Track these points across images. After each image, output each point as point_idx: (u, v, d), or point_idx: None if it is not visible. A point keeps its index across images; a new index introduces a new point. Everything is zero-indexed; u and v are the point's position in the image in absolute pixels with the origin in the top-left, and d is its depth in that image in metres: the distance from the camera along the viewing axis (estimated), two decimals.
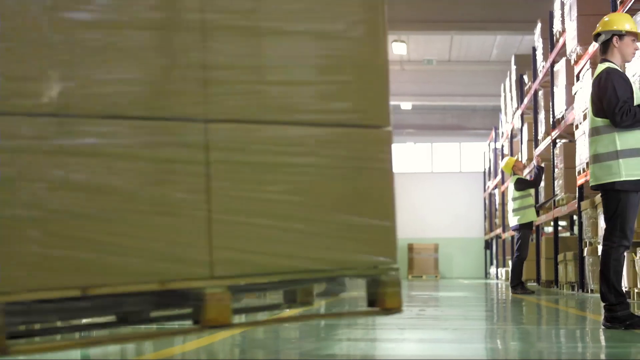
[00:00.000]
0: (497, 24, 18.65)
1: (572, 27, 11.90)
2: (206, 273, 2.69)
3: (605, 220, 5.51)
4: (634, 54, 5.69)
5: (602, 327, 5.37)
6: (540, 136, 15.07)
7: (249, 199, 2.80)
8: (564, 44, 12.46)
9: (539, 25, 15.50)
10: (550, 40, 14.18)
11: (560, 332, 5.48)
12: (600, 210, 11.49)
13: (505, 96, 20.84)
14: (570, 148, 12.59)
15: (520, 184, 12.31)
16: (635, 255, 9.50)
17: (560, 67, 13.04)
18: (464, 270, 29.26)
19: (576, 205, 12.30)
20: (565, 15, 12.50)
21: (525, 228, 12.19)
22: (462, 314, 7.30)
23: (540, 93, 15.04)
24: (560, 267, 14.06)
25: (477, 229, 28.87)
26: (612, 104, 5.37)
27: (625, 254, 5.46)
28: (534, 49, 16.09)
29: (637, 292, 9.37)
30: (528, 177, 12.72)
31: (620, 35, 5.63)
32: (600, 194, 5.67)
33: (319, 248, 2.90)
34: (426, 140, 29.98)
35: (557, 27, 13.40)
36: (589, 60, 11.62)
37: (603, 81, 5.48)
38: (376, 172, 3.05)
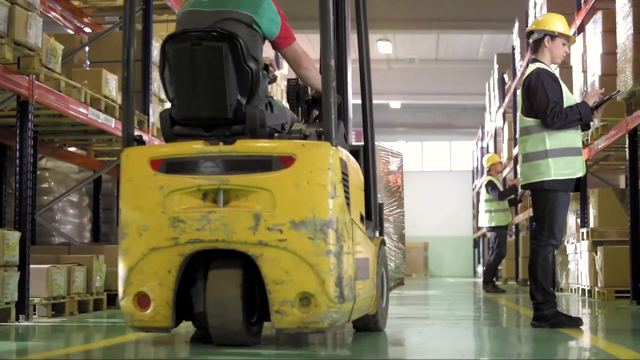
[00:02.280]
0: (481, 23, 18.63)
1: None
2: None
3: (534, 219, 5.54)
4: (563, 56, 5.72)
5: (531, 325, 5.41)
6: (518, 135, 15.06)
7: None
8: None
9: (516, 24, 15.51)
10: (526, 39, 14.17)
11: (482, 331, 5.50)
12: (570, 208, 11.51)
13: (489, 95, 20.85)
14: None
15: (491, 190, 12.28)
16: (596, 254, 9.51)
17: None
18: (454, 268, 29.25)
19: None
20: (537, 15, 12.51)
21: (500, 229, 12.18)
22: (408, 312, 7.33)
23: (519, 92, 15.03)
24: None
25: (467, 227, 28.84)
26: (542, 105, 5.39)
27: (554, 253, 5.49)
28: (513, 48, 16.10)
29: (597, 291, 9.39)
30: (500, 185, 12.58)
31: (553, 36, 5.65)
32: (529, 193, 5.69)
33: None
34: (417, 138, 29.99)
35: None
36: None
37: (533, 82, 5.51)
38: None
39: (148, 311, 4.04)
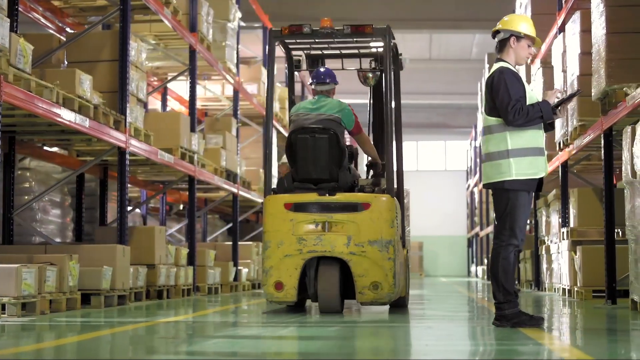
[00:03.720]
0: (471, 23, 18.65)
1: None
2: None
3: (496, 219, 5.54)
4: (528, 58, 5.72)
5: (493, 325, 5.42)
6: (481, 134, 15.07)
7: None
8: None
9: None
10: (492, 37, 14.15)
11: (441, 331, 5.51)
12: (552, 208, 11.50)
13: (481, 95, 20.84)
14: None
15: None
16: (575, 254, 9.52)
17: (521, 67, 13.04)
18: (449, 268, 29.24)
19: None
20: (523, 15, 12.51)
21: None
22: (381, 310, 7.35)
23: None
24: (521, 266, 14.08)
25: (462, 227, 28.83)
26: (504, 102, 5.39)
27: (515, 253, 5.46)
28: None
29: (577, 290, 9.39)
30: None
31: (518, 37, 5.65)
32: (493, 193, 5.68)
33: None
34: (412, 138, 29.97)
35: None
36: (540, 60, 11.66)
37: (496, 80, 5.50)
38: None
39: (282, 292, 6.85)
